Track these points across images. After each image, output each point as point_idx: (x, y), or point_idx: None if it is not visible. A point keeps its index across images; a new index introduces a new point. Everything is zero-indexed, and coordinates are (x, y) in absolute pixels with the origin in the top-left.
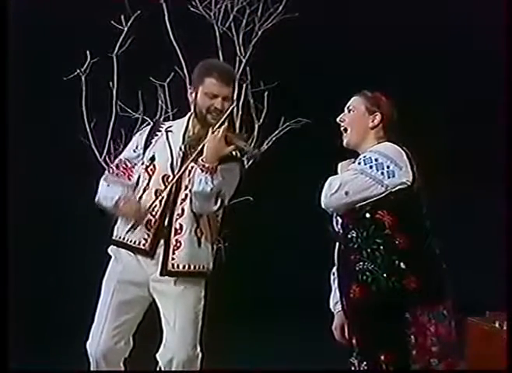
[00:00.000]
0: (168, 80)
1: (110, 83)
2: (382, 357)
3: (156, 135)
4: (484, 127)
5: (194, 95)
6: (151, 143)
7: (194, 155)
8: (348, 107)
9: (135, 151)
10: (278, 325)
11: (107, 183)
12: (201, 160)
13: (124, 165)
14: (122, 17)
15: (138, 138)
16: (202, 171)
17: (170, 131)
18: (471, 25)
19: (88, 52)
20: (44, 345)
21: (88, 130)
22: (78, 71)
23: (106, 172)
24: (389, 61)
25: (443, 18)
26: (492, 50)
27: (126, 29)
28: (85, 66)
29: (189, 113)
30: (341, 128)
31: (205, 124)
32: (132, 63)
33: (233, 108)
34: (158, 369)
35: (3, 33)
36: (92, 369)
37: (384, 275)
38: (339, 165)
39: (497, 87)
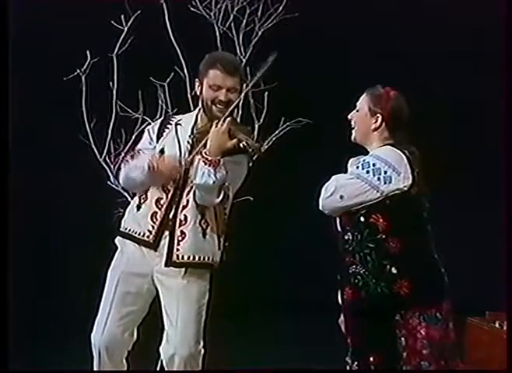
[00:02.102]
0: (168, 80)
1: (110, 83)
2: (371, 359)
3: (167, 128)
4: (484, 127)
5: (200, 88)
6: (162, 135)
7: (198, 148)
8: (356, 105)
9: (150, 143)
10: (279, 324)
11: (129, 167)
12: (205, 153)
13: (138, 155)
14: (122, 17)
15: (150, 132)
16: (205, 164)
17: (180, 125)
18: (472, 25)
19: (88, 52)
20: (44, 345)
21: (88, 130)
22: (78, 71)
23: (122, 165)
24: (389, 61)
25: (443, 18)
26: (492, 50)
27: (126, 29)
28: (85, 66)
29: (198, 107)
30: (352, 124)
31: (211, 117)
32: (132, 63)
33: (240, 100)
34: (161, 363)
35: (3, 33)
36: (95, 361)
37: (374, 280)
38: (350, 161)
39: (497, 87)
